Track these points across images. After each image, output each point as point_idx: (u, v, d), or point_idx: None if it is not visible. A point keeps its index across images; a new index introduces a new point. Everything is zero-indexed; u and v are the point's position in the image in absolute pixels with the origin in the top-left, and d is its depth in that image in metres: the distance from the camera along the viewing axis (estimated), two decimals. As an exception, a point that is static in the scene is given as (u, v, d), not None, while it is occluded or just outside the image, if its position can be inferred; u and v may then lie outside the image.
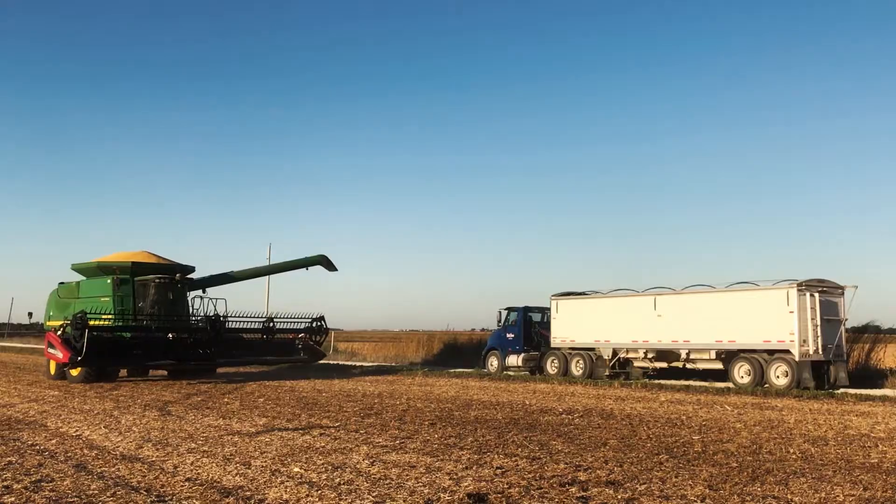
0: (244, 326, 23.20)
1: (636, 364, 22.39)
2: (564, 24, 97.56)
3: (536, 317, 26.49)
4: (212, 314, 21.88)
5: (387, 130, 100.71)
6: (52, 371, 21.71)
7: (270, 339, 23.86)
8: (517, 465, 7.97)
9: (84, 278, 23.31)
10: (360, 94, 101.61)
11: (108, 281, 22.04)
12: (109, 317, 20.85)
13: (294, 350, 24.46)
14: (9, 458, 8.30)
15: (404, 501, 6.28)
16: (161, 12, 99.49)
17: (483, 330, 45.08)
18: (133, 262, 22.46)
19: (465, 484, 6.95)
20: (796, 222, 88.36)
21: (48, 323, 23.83)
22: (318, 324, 24.75)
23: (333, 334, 40.02)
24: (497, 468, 7.79)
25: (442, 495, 6.47)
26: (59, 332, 19.12)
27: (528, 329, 26.09)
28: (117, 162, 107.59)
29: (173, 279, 22.64)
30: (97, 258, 23.33)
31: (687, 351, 20.88)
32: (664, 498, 6.43)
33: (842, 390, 18.11)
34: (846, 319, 20.12)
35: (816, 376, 18.64)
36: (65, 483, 6.98)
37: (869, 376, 21.24)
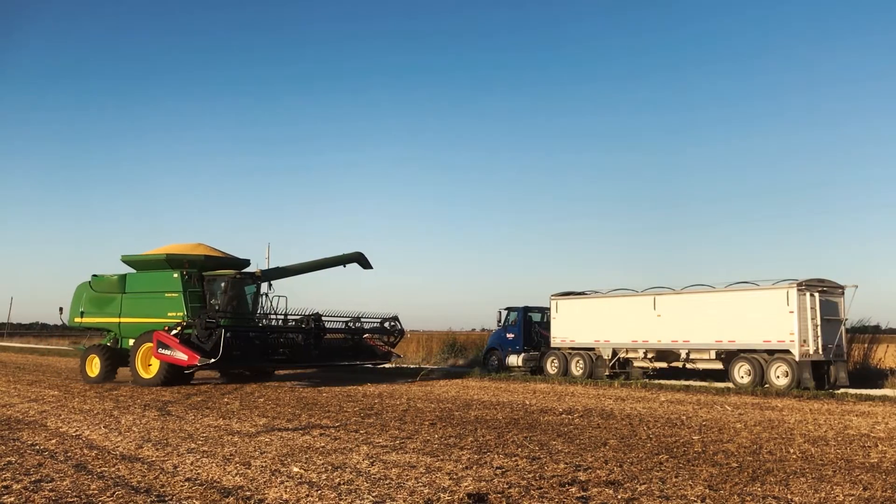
0: (329, 326, 21.54)
1: (636, 364, 22.39)
2: (568, 26, 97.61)
3: (536, 317, 26.50)
4: (311, 313, 20.45)
5: (387, 129, 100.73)
6: (94, 373, 20.52)
7: (357, 340, 22.41)
8: (517, 465, 7.97)
9: (133, 271, 21.45)
10: (353, 89, 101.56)
11: (176, 275, 20.24)
12: (180, 313, 19.63)
13: (374, 351, 22.89)
14: (8, 458, 8.30)
15: (404, 501, 6.28)
16: (180, 7, 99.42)
17: (483, 330, 45.19)
18: (206, 256, 20.98)
19: (465, 484, 6.95)
20: (796, 222, 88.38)
21: (77, 320, 22.10)
22: (393, 324, 23.10)
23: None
24: (497, 468, 7.79)
25: (442, 495, 6.47)
26: (174, 332, 18.02)
27: (528, 329, 26.10)
28: (120, 160, 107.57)
29: (253, 274, 21.11)
30: (151, 250, 21.55)
31: (687, 351, 20.89)
32: (664, 498, 6.43)
33: (842, 390, 18.11)
34: (846, 319, 20.12)
35: (816, 376, 18.65)
36: (65, 483, 6.98)
37: (869, 376, 21.24)
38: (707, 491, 6.71)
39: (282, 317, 20.49)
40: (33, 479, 7.16)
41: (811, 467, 7.99)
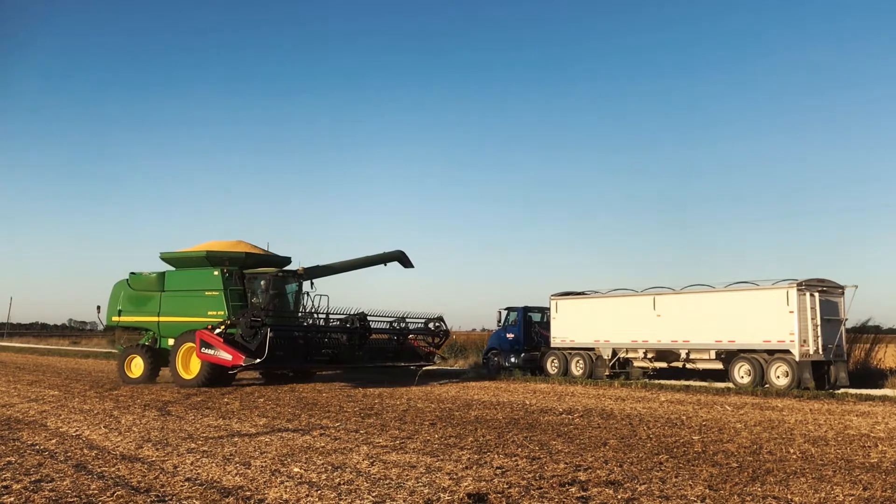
0: (374, 326, 20.98)
1: (636, 364, 22.39)
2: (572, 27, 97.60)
3: (536, 317, 26.50)
4: (356, 312, 19.98)
5: (385, 126, 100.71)
6: (134, 374, 20.14)
7: (402, 342, 21.87)
8: (517, 465, 7.97)
9: (172, 268, 21.04)
10: (353, 88, 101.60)
11: (216, 273, 19.79)
12: (221, 312, 19.17)
13: (417, 352, 22.29)
14: (8, 458, 8.30)
15: (404, 501, 6.28)
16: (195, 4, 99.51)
17: (483, 330, 45.18)
18: (247, 254, 20.45)
19: (465, 484, 6.95)
20: (796, 222, 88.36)
21: (115, 319, 21.56)
22: (438, 324, 22.59)
23: None
24: (497, 468, 7.79)
25: (442, 495, 6.47)
26: (217, 332, 17.58)
27: (528, 329, 26.10)
28: (121, 161, 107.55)
29: (295, 272, 20.58)
30: (190, 247, 21.11)
31: (687, 351, 20.89)
32: (664, 498, 6.43)
33: (842, 390, 18.11)
34: (846, 319, 20.13)
35: (816, 376, 18.65)
36: (65, 483, 6.98)
37: (869, 376, 21.23)
38: (707, 491, 6.71)
39: (324, 316, 19.95)
40: (33, 479, 7.16)
41: (811, 467, 7.99)
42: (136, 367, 20.38)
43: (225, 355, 17.28)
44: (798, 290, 18.81)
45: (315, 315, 20.00)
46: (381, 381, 20.27)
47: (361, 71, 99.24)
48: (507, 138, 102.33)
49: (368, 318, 20.25)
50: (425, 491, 6.63)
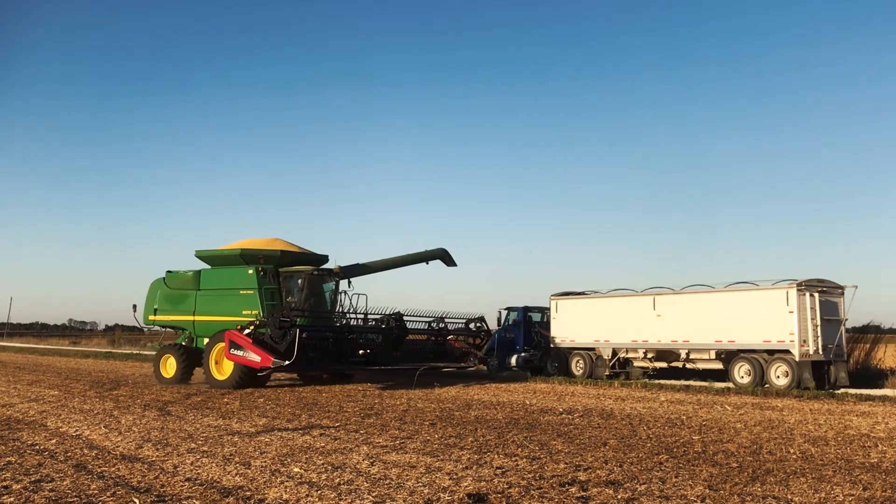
0: (411, 326, 20.60)
1: (636, 364, 22.40)
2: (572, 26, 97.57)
3: (536, 317, 26.51)
4: (392, 312, 19.57)
5: (383, 124, 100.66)
6: (168, 374, 19.77)
7: (441, 342, 21.39)
8: (517, 465, 7.97)
9: (207, 267, 20.65)
10: (351, 87, 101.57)
11: (251, 271, 19.34)
12: (256, 311, 18.82)
13: (454, 353, 21.78)
14: (8, 458, 8.30)
15: (404, 501, 6.28)
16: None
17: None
18: (282, 252, 19.92)
19: (465, 484, 6.95)
20: (796, 222, 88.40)
21: (151, 318, 21.27)
22: (479, 325, 22.27)
23: None
24: (497, 468, 7.78)
25: (442, 495, 6.47)
26: (246, 332, 17.10)
27: (528, 329, 26.11)
28: (120, 161, 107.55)
29: (332, 271, 20.03)
30: (227, 245, 20.67)
31: (687, 351, 20.89)
32: (664, 498, 6.43)
33: (842, 390, 18.11)
34: (846, 319, 20.14)
35: (816, 376, 18.65)
36: (65, 483, 6.98)
37: (869, 376, 21.24)
38: (707, 491, 6.71)
39: (361, 316, 19.45)
40: (33, 479, 7.16)
41: (811, 467, 7.99)
42: (171, 366, 19.98)
43: (254, 357, 16.79)
44: (798, 290, 18.82)
45: (351, 315, 19.45)
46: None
47: (362, 70, 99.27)
48: (507, 138, 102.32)
49: (405, 318, 19.83)
50: (425, 491, 6.63)
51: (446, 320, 21.37)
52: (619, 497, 6.45)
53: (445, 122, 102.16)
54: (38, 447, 9.17)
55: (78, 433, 10.42)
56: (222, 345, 18.15)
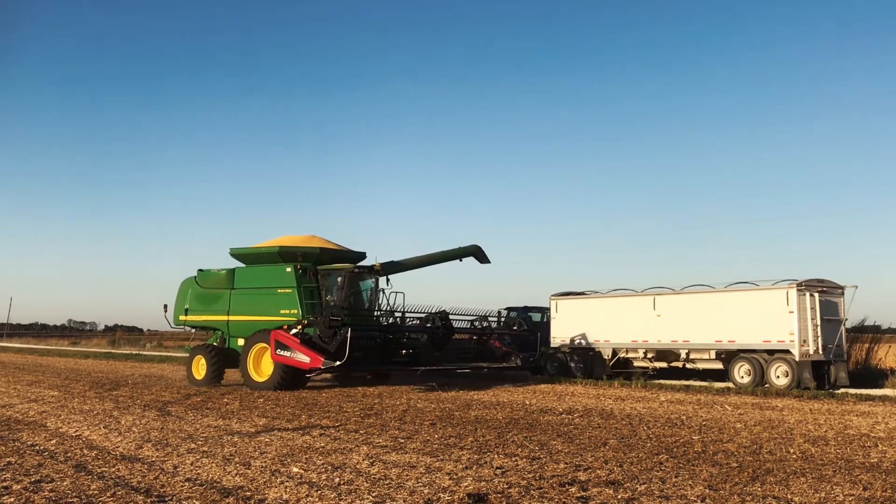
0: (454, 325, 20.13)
1: (636, 364, 22.41)
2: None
3: (536, 317, 26.49)
4: (437, 311, 19.17)
5: (382, 122, 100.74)
6: (200, 375, 19.26)
7: (484, 342, 21.21)
8: (517, 465, 7.97)
9: (241, 265, 20.09)
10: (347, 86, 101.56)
11: (289, 269, 18.70)
12: (294, 311, 18.24)
13: (495, 353, 21.51)
14: (8, 459, 8.29)
15: (404, 501, 6.27)
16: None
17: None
18: (321, 249, 19.36)
19: (465, 484, 6.95)
20: (796, 222, 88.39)
21: (182, 318, 20.75)
22: (521, 324, 22.29)
23: None
24: (497, 468, 7.78)
25: (442, 495, 6.47)
26: (294, 332, 16.81)
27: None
28: (123, 158, 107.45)
29: (371, 268, 19.36)
30: (262, 243, 20.13)
31: (687, 351, 20.90)
32: (664, 498, 6.43)
33: (842, 390, 18.12)
34: (846, 319, 20.15)
35: (817, 376, 18.66)
36: (64, 483, 6.97)
37: (869, 376, 21.24)
38: (707, 491, 6.71)
39: (401, 314, 19.08)
40: (33, 479, 7.16)
41: (811, 467, 7.99)
42: (202, 368, 19.42)
43: (302, 357, 16.41)
44: (798, 290, 18.82)
45: (396, 313, 19.04)
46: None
47: (361, 69, 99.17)
48: (506, 137, 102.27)
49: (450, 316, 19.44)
50: (425, 491, 6.63)
51: (490, 319, 21.03)
52: (619, 497, 6.45)
53: (445, 122, 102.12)
54: (37, 447, 9.17)
55: (78, 433, 10.42)
56: (261, 345, 17.83)
